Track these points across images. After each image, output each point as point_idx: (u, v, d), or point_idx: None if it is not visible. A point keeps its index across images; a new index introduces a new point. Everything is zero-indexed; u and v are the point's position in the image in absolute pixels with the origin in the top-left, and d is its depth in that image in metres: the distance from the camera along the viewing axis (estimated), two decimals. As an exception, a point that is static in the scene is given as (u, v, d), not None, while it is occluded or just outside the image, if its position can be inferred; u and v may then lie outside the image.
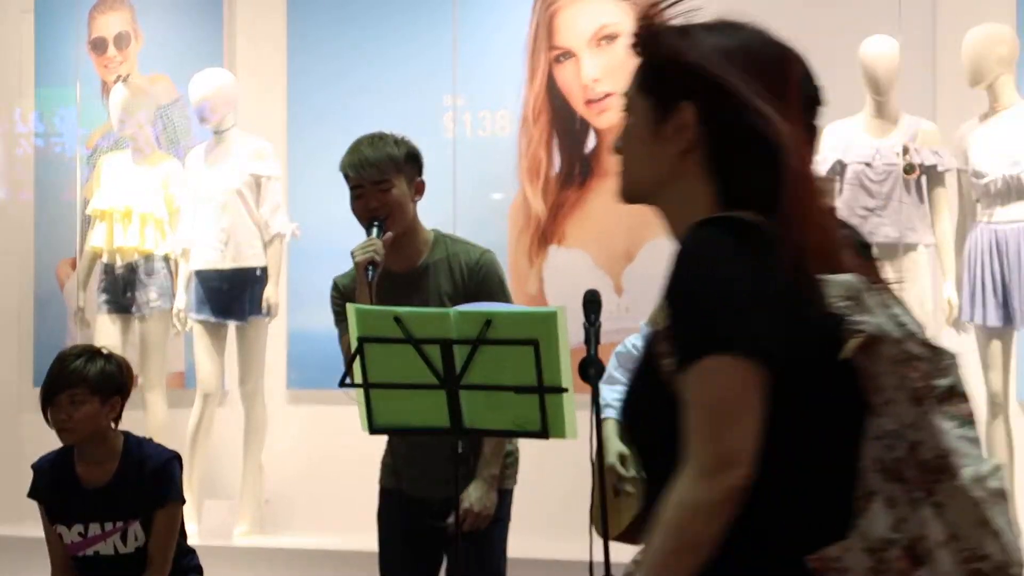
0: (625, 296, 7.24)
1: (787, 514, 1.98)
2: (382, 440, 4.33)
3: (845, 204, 6.63)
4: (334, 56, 7.77)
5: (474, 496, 4.15)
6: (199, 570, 4.40)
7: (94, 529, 4.22)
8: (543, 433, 3.63)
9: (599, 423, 3.92)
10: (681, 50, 2.05)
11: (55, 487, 4.28)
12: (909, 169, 6.54)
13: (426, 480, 4.23)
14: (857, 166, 6.62)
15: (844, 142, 6.66)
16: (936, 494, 1.94)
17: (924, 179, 6.60)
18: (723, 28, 2.09)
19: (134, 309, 7.49)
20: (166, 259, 7.51)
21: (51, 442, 4.32)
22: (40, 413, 4.22)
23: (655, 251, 7.21)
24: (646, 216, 7.31)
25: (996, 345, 6.45)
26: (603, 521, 3.91)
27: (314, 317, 6.95)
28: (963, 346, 6.61)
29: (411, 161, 4.28)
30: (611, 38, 7.42)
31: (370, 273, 4.09)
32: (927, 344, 1.98)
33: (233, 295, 7.32)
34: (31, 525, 5.03)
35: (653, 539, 1.95)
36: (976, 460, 1.96)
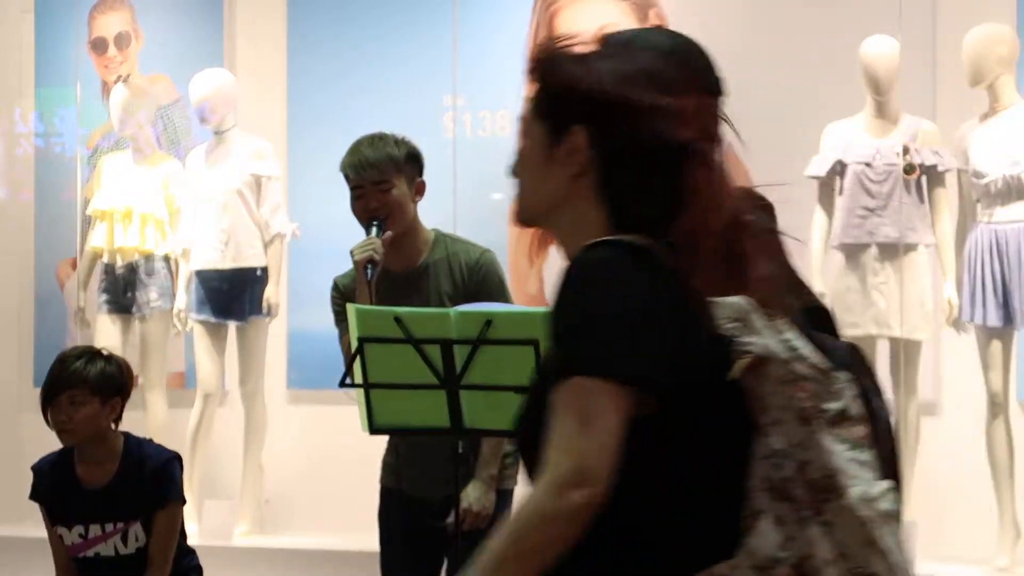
0: (625, 296, 7.24)
1: (675, 533, 2.00)
2: (382, 440, 4.33)
3: (845, 204, 6.63)
4: (334, 56, 7.77)
5: (473, 496, 4.15)
6: (199, 570, 4.40)
7: (94, 530, 4.22)
8: (543, 433, 3.63)
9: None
10: (575, 76, 2.09)
11: (55, 488, 4.28)
12: (909, 169, 6.54)
13: (426, 480, 4.23)
14: (857, 166, 6.62)
15: (844, 142, 6.66)
16: (824, 513, 1.96)
17: (924, 179, 6.60)
18: (621, 52, 2.13)
19: (134, 309, 7.49)
20: (166, 259, 7.51)
21: (51, 442, 4.32)
22: (40, 413, 4.22)
23: (655, 251, 7.21)
24: (646, 216, 7.07)
25: (996, 345, 6.45)
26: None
27: (314, 317, 6.95)
28: (963, 346, 6.62)
29: (411, 161, 4.28)
30: (611, 38, 7.42)
31: (369, 272, 4.09)
32: (816, 366, 2.00)
33: (233, 295, 7.32)
34: (31, 525, 5.03)
35: (493, 540, 1.97)
36: (866, 482, 1.98)
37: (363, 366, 3.73)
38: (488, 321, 3.63)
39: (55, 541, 4.30)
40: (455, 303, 4.08)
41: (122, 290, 7.50)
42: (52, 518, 4.29)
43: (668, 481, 1.99)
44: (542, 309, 3.74)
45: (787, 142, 7.01)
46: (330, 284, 4.33)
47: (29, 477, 4.36)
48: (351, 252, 4.16)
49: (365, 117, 6.83)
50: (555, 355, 2.01)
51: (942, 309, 6.58)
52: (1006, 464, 6.43)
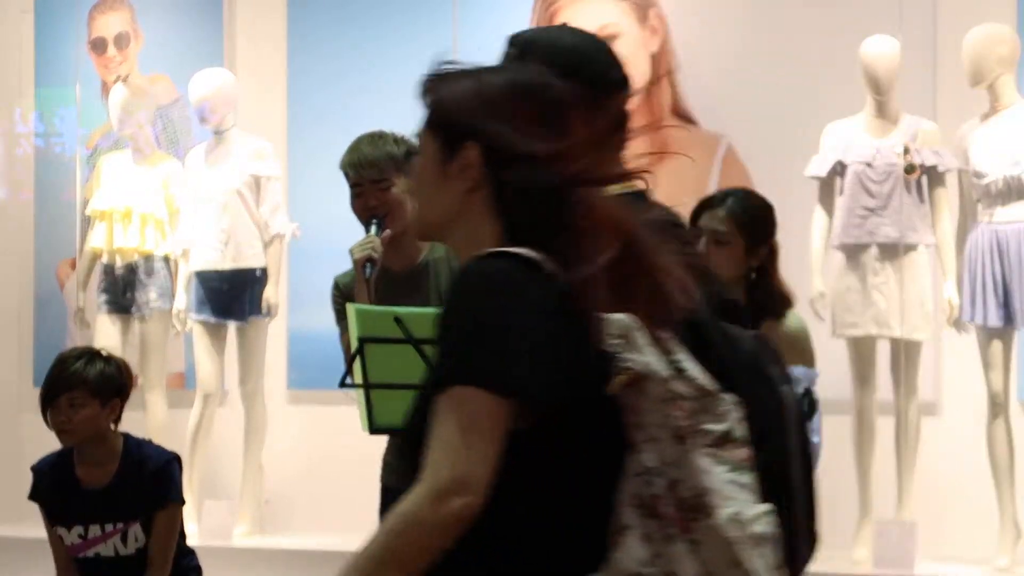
0: (625, 296, 7.23)
1: (546, 545, 2.01)
2: (382, 440, 4.32)
3: (846, 204, 6.63)
4: (334, 56, 7.77)
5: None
6: (199, 570, 4.40)
7: (94, 531, 4.22)
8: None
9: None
10: (455, 95, 2.13)
11: (55, 489, 4.28)
12: (910, 169, 6.53)
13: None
14: (858, 166, 6.61)
15: (844, 142, 6.66)
16: (692, 532, 1.98)
17: (924, 179, 6.60)
18: (507, 72, 2.18)
19: (134, 309, 7.49)
20: (166, 259, 7.51)
21: (51, 443, 4.32)
22: (40, 413, 4.22)
23: (655, 251, 7.21)
24: (646, 216, 7.02)
25: (997, 345, 6.44)
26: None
27: (314, 317, 6.95)
28: (964, 346, 6.61)
29: (411, 159, 4.27)
30: (611, 38, 7.42)
31: (368, 270, 4.09)
32: (702, 387, 2.02)
33: (233, 295, 7.31)
34: (31, 525, 5.02)
35: (365, 544, 1.99)
36: (742, 504, 2.00)
37: (363, 366, 3.72)
38: (488, 321, 3.62)
39: (55, 541, 4.30)
40: (455, 302, 4.07)
41: (122, 290, 7.50)
42: (52, 518, 4.29)
43: (541, 493, 2.01)
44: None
45: (787, 142, 7.01)
46: (330, 284, 4.33)
47: (29, 477, 4.36)
48: (350, 251, 4.16)
49: (365, 117, 6.82)
50: (440, 362, 2.03)
51: (942, 309, 6.58)
52: (1006, 464, 6.43)
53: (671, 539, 1.97)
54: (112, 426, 4.24)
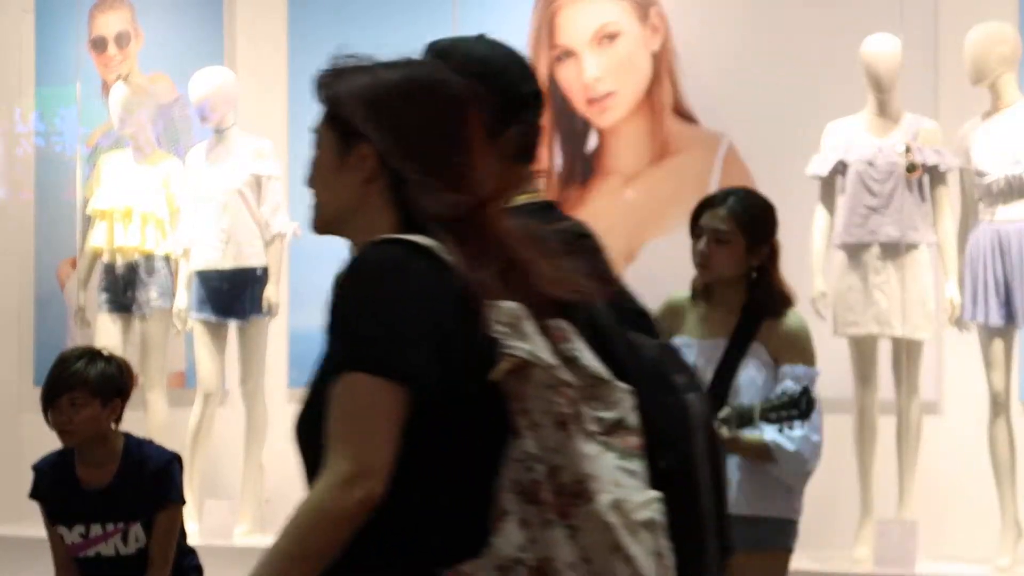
0: (626, 295, 7.22)
1: (426, 530, 2.03)
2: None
3: (847, 203, 6.62)
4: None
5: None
6: (199, 570, 4.39)
7: (95, 530, 4.21)
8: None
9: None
10: (349, 92, 2.16)
11: (55, 488, 4.27)
12: (911, 168, 6.52)
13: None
14: (859, 165, 6.61)
15: (846, 141, 6.65)
16: (571, 517, 1.99)
17: (926, 178, 6.59)
18: (402, 68, 2.19)
19: (135, 308, 7.48)
20: (167, 258, 7.50)
21: (51, 442, 4.31)
22: (40, 413, 4.21)
23: (656, 251, 7.20)
24: (647, 216, 7.29)
25: (998, 344, 6.44)
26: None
27: (315, 316, 6.91)
28: (965, 345, 6.61)
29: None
30: (612, 37, 7.41)
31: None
32: (593, 375, 2.05)
33: (234, 295, 7.31)
34: (31, 525, 5.02)
35: (275, 541, 1.99)
36: (631, 491, 2.02)
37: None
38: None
39: (54, 540, 4.30)
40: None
41: (122, 289, 7.49)
42: (52, 517, 4.28)
43: (426, 478, 2.03)
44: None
45: (788, 141, 7.01)
46: (331, 283, 4.32)
47: (29, 477, 4.35)
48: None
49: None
50: (333, 350, 2.05)
51: (944, 308, 6.57)
52: (1008, 463, 6.42)
53: (549, 524, 1.99)
54: (113, 426, 4.24)
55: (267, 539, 6.95)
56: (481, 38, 2.49)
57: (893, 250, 6.55)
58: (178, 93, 7.92)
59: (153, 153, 7.63)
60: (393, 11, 7.74)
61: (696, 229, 4.19)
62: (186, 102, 7.72)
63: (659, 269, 6.98)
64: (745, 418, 3.98)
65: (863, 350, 6.61)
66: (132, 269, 7.47)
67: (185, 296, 7.44)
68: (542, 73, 7.51)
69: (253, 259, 7.31)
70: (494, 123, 2.29)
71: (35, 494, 4.34)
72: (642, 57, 7.38)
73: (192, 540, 4.45)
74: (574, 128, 7.47)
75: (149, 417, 7.40)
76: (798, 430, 3.98)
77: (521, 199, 2.39)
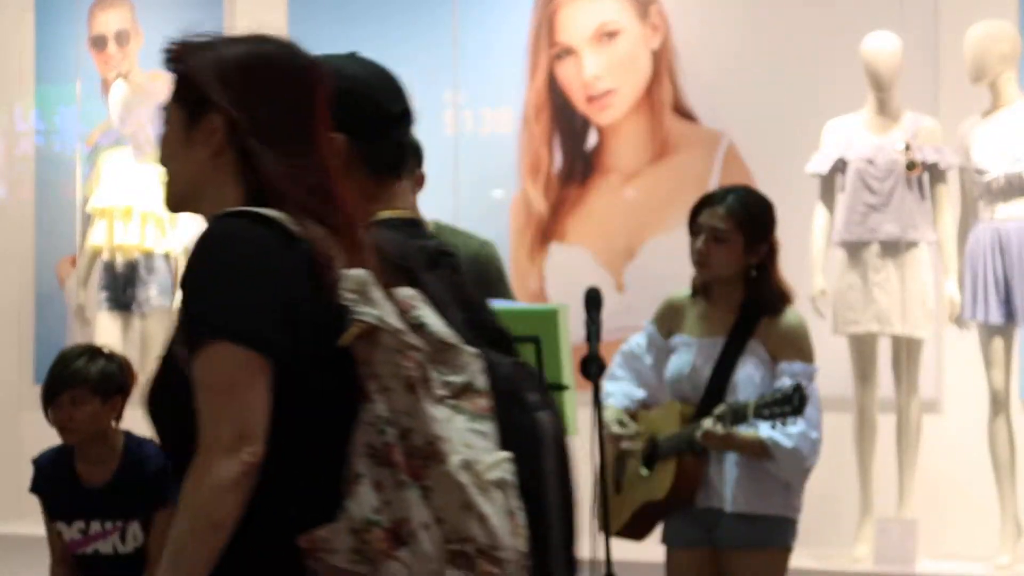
0: (626, 293, 7.24)
1: (282, 499, 2.05)
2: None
3: (847, 201, 6.62)
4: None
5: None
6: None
7: (95, 527, 4.21)
8: (544, 430, 3.62)
9: (600, 419, 3.91)
10: (199, 65, 2.20)
11: (55, 484, 4.27)
12: (911, 166, 6.52)
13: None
14: (859, 163, 6.61)
15: (846, 139, 6.65)
16: (424, 479, 2.03)
17: (926, 176, 6.59)
18: (252, 42, 2.23)
19: (135, 307, 7.48)
20: (167, 257, 7.51)
21: (51, 440, 4.31)
22: (40, 411, 4.21)
23: (657, 248, 7.20)
24: (647, 213, 7.30)
25: (998, 342, 6.44)
26: (604, 517, 3.90)
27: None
28: (965, 344, 6.61)
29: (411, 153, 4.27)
30: (612, 35, 7.41)
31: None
32: (442, 339, 2.09)
33: (234, 293, 7.31)
34: (31, 523, 5.02)
35: (175, 525, 2.02)
36: (484, 451, 2.06)
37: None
38: (489, 318, 3.62)
39: (52, 535, 4.30)
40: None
41: (122, 288, 7.50)
42: (51, 513, 4.28)
43: (281, 447, 2.04)
44: (544, 306, 3.74)
45: (788, 139, 7.01)
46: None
47: (29, 475, 4.35)
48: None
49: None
50: (188, 322, 2.07)
51: (944, 307, 6.57)
52: (1008, 461, 6.42)
53: (402, 486, 2.02)
54: (113, 424, 4.24)
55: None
56: (353, 55, 2.53)
57: (893, 248, 6.55)
58: (178, 91, 7.92)
59: (153, 151, 7.63)
60: (393, 11, 7.74)
61: (695, 227, 4.19)
62: (186, 100, 7.71)
63: (659, 267, 6.99)
64: (739, 415, 3.99)
65: (863, 348, 6.61)
66: (132, 267, 7.47)
67: (185, 294, 7.43)
68: (542, 71, 7.52)
69: (253, 257, 7.30)
70: (361, 137, 2.37)
71: (35, 488, 4.34)
72: (642, 55, 7.38)
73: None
74: (574, 126, 7.47)
75: (149, 415, 7.39)
76: (795, 427, 3.98)
77: (386, 213, 2.42)
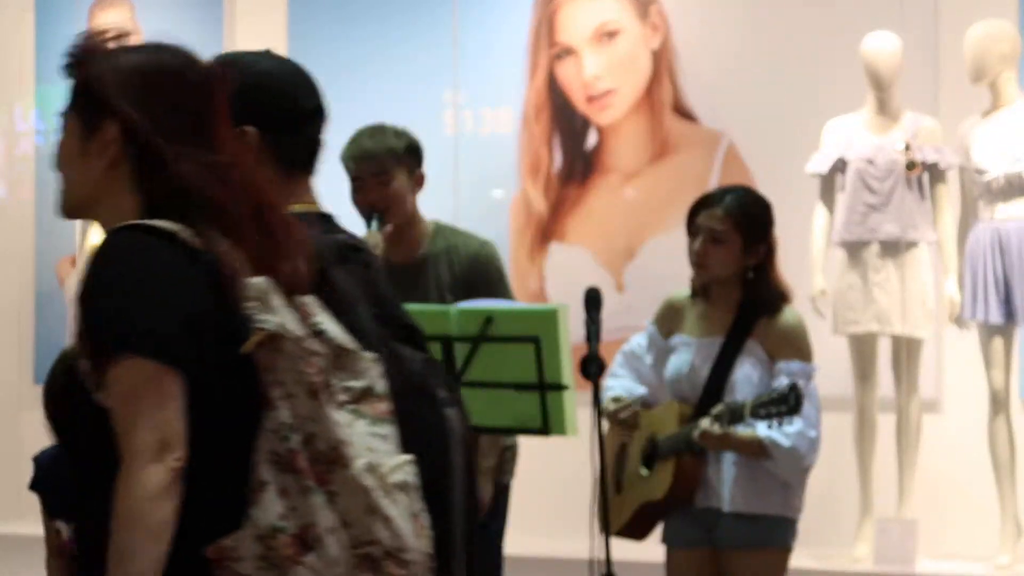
0: (626, 293, 7.24)
1: (189, 510, 2.05)
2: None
3: (847, 201, 6.62)
4: (334, 56, 7.76)
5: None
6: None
7: (94, 527, 4.21)
8: (544, 430, 3.62)
9: (600, 419, 3.92)
10: (98, 73, 2.18)
11: (55, 483, 4.27)
12: (911, 166, 6.52)
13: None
14: (859, 163, 6.61)
15: (846, 139, 6.65)
16: (329, 483, 2.04)
17: (926, 176, 6.59)
18: (149, 50, 2.23)
19: (134, 307, 7.48)
20: (166, 257, 7.51)
21: (51, 440, 4.31)
22: (40, 411, 4.21)
23: (657, 248, 7.20)
24: (647, 214, 7.31)
25: (998, 342, 6.44)
26: (604, 517, 3.90)
27: (315, 315, 6.93)
28: (965, 343, 6.61)
29: (411, 153, 4.28)
30: (612, 35, 7.41)
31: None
32: (340, 345, 2.10)
33: (234, 293, 7.31)
34: (31, 523, 5.01)
35: (113, 539, 2.02)
36: (383, 454, 2.07)
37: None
38: (489, 318, 3.62)
39: (50, 533, 4.29)
40: (454, 294, 4.08)
41: (122, 288, 7.49)
42: (50, 511, 4.28)
43: (189, 455, 2.05)
44: (543, 306, 3.75)
45: (788, 139, 7.00)
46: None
47: (28, 475, 4.35)
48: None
49: (365, 116, 6.83)
50: (89, 336, 2.10)
51: (944, 306, 6.57)
52: (1008, 461, 6.42)
53: (308, 492, 2.03)
54: (112, 424, 4.24)
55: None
56: (267, 52, 2.54)
57: (893, 248, 6.55)
58: (178, 91, 7.92)
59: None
60: (393, 11, 7.74)
61: (693, 228, 4.19)
62: (186, 100, 7.71)
63: (659, 267, 6.99)
64: (736, 415, 3.99)
65: (863, 348, 6.61)
66: (132, 267, 7.48)
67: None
68: (542, 71, 7.52)
69: (253, 257, 7.30)
70: (272, 131, 2.40)
71: (35, 486, 4.34)
72: (642, 55, 7.38)
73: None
74: (573, 126, 7.47)
75: (149, 415, 7.40)
76: (793, 426, 3.98)
77: (297, 207, 2.43)
